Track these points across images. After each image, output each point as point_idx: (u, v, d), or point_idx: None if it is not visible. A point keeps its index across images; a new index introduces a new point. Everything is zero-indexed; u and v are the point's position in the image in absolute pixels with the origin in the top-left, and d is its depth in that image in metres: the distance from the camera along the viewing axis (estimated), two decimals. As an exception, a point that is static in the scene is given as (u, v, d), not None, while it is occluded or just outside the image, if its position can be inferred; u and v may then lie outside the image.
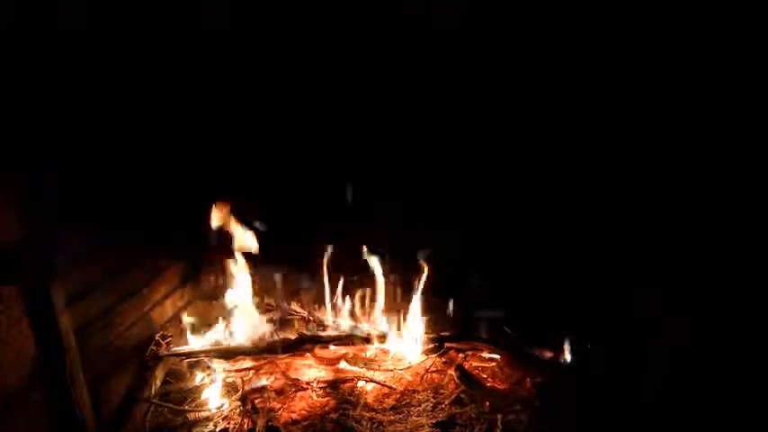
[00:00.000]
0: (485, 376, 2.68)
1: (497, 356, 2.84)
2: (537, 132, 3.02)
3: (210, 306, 3.22)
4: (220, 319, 3.04)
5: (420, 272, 3.04)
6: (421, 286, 3.03)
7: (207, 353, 2.75)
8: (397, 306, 3.12)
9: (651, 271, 2.68)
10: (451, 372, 2.67)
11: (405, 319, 3.05)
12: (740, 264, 2.47)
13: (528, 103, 2.98)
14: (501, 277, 3.09)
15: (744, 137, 2.51)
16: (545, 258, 3.08)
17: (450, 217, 3.19)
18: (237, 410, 2.34)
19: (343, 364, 2.77)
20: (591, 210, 2.94)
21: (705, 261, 2.53)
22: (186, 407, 2.38)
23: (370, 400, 2.46)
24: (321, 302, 3.30)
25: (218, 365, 2.72)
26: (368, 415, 2.32)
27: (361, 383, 2.60)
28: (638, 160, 2.80)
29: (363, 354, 2.88)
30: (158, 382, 2.52)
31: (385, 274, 3.14)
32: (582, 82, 2.86)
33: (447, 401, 2.43)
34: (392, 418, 2.31)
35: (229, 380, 2.60)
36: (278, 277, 3.31)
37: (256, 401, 2.39)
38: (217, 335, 2.95)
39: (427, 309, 3.07)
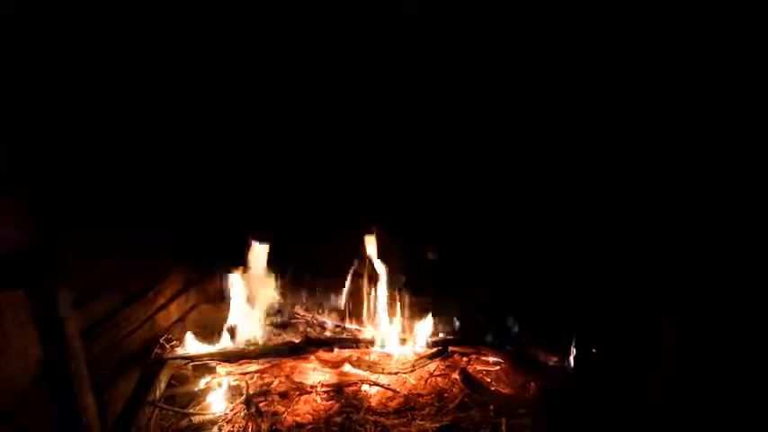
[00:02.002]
0: (489, 380, 2.67)
1: (501, 360, 2.83)
2: (538, 134, 3.02)
3: (215, 309, 3.23)
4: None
5: (424, 276, 3.04)
6: (425, 290, 3.03)
7: (211, 356, 2.75)
8: (402, 309, 3.12)
9: (651, 272, 2.67)
10: (455, 376, 2.66)
11: (409, 322, 3.06)
12: (738, 264, 2.46)
13: (527, 105, 2.97)
14: (505, 282, 3.08)
15: (742, 137, 2.50)
16: (549, 263, 3.07)
17: (453, 222, 3.19)
18: (242, 414, 2.35)
19: (347, 368, 2.77)
20: (592, 213, 2.93)
21: (703, 263, 2.52)
22: (191, 410, 2.38)
23: (374, 403, 2.46)
24: (326, 306, 3.31)
25: (223, 369, 2.72)
26: (372, 418, 2.32)
27: (365, 387, 2.60)
28: (638, 165, 2.80)
29: (367, 357, 2.87)
30: (163, 386, 2.52)
31: (390, 279, 3.14)
32: (582, 81, 2.85)
33: (451, 405, 2.42)
34: (396, 421, 2.31)
35: (234, 383, 2.60)
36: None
37: (261, 405, 2.40)
38: (221, 338, 2.97)
39: (432, 313, 3.07)
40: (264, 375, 2.69)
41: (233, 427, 2.27)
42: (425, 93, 3.04)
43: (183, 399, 2.49)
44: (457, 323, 3.10)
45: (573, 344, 2.73)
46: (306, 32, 2.88)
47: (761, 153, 2.44)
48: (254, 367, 2.75)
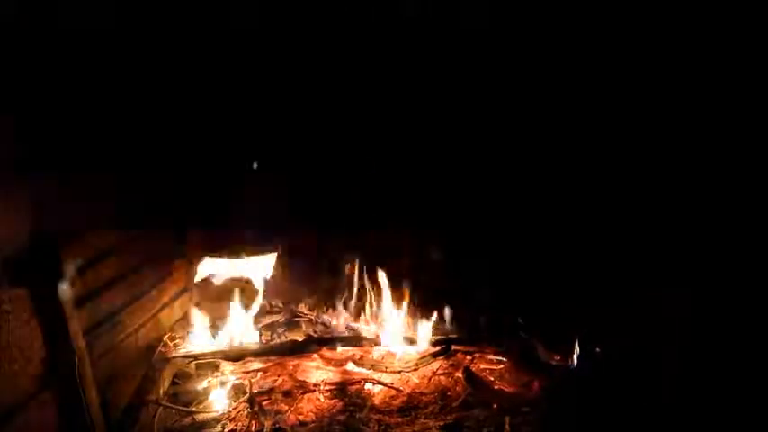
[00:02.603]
0: (492, 379, 2.67)
1: (505, 359, 2.83)
2: (540, 134, 3.01)
3: (219, 307, 3.23)
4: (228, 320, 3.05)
5: (428, 274, 3.03)
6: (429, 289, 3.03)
7: (214, 354, 2.76)
8: (404, 308, 3.12)
9: (651, 272, 2.67)
10: (459, 374, 2.66)
11: (412, 320, 3.05)
12: (738, 264, 2.45)
13: (532, 105, 2.97)
14: (508, 281, 3.07)
15: (742, 138, 2.49)
16: (552, 261, 3.07)
17: (456, 221, 3.18)
18: (245, 412, 2.35)
19: (350, 366, 2.77)
20: (594, 214, 2.92)
21: (703, 263, 2.51)
22: (194, 408, 2.39)
23: (377, 402, 2.46)
24: (328, 304, 3.31)
25: (226, 367, 2.73)
26: (375, 417, 2.31)
27: (368, 385, 2.60)
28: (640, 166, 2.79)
29: (371, 355, 2.87)
30: (166, 384, 2.53)
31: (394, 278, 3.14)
32: (584, 82, 2.85)
33: (454, 404, 2.41)
34: (399, 420, 2.30)
35: (237, 381, 2.60)
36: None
37: (264, 403, 2.40)
38: (225, 336, 2.97)
39: (435, 311, 3.06)
40: (267, 374, 2.69)
41: (236, 425, 2.27)
42: (427, 92, 3.03)
43: (187, 397, 2.49)
44: (460, 322, 3.09)
45: (576, 343, 2.73)
46: (305, 32, 2.88)
47: (760, 153, 2.43)
48: (257, 365, 2.75)
